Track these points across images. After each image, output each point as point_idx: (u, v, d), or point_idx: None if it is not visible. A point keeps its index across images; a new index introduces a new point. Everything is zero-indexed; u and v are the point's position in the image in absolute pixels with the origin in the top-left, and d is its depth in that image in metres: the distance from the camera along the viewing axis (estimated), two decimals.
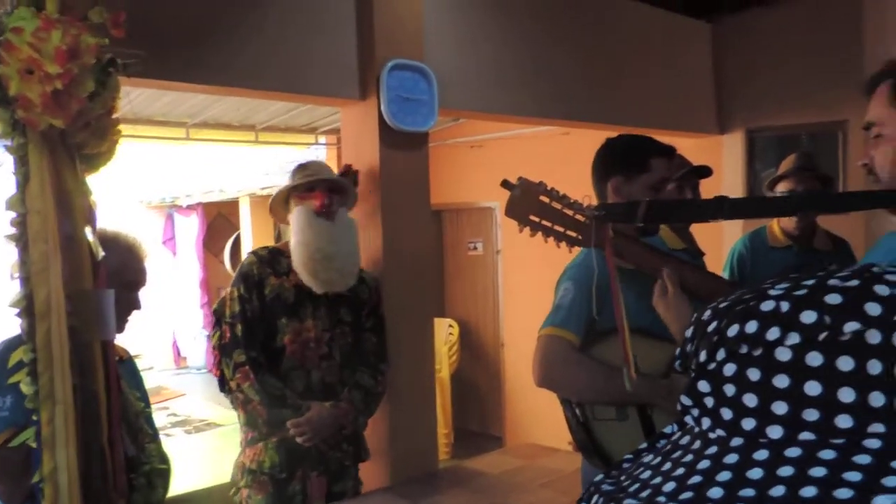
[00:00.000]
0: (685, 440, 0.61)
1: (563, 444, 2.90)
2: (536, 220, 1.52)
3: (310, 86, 2.58)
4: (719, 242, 3.99)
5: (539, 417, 5.21)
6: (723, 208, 1.30)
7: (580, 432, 1.80)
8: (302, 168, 2.42)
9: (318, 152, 5.51)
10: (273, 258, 2.37)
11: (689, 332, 0.62)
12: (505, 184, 1.53)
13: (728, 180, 4.40)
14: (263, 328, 2.29)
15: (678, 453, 0.60)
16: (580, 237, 1.50)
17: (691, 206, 1.42)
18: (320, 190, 2.33)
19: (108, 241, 1.70)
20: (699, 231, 2.95)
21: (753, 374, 0.54)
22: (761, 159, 4.31)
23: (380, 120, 2.66)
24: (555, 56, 3.45)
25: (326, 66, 2.60)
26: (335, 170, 2.62)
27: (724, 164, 4.43)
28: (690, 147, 4.46)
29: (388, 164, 2.71)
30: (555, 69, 3.44)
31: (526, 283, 5.38)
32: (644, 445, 0.68)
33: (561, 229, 1.51)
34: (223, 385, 2.31)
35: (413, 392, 2.80)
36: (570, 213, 1.48)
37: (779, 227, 3.05)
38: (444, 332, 5.90)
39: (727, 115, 4.40)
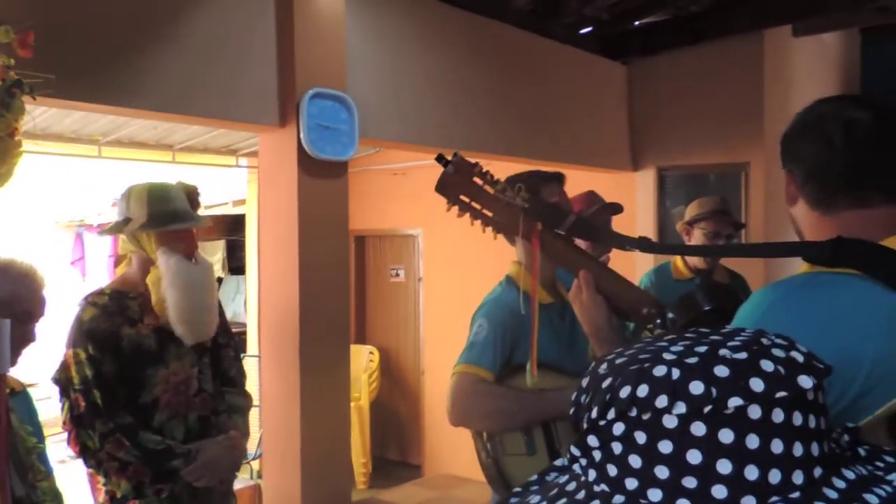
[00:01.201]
0: (571, 486, 0.63)
1: (480, 473, 2.91)
2: (466, 200, 1.47)
3: (227, 111, 2.55)
4: (632, 275, 4.14)
5: (458, 446, 5.21)
6: (642, 245, 1.36)
7: (490, 467, 1.83)
8: (162, 199, 2.08)
9: (239, 175, 5.42)
10: (119, 304, 2.07)
11: (584, 383, 0.64)
12: (439, 158, 1.48)
13: (641, 215, 4.59)
14: (127, 387, 2.03)
15: (563, 501, 0.62)
16: (507, 225, 1.48)
17: (612, 234, 1.45)
18: (189, 231, 2.12)
19: (0, 269, 1.62)
20: (616, 262, 3.07)
21: (640, 437, 0.56)
22: (671, 196, 4.52)
23: (299, 148, 2.65)
24: (476, 91, 3.53)
25: (245, 93, 2.58)
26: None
27: (637, 199, 4.62)
28: (607, 182, 4.63)
29: (306, 192, 2.70)
30: (475, 103, 3.52)
31: (447, 310, 5.41)
32: (535, 477, 0.70)
33: (489, 214, 1.47)
34: (87, 457, 2.01)
35: (327, 421, 2.77)
36: (501, 199, 1.45)
37: (682, 261, 3.21)
38: (365, 359, 5.86)
39: (640, 153, 4.60)
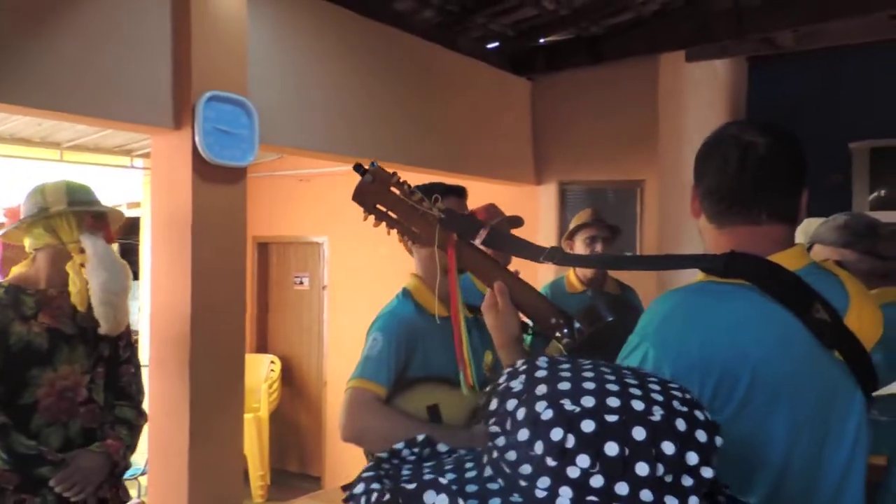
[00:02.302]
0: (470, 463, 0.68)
1: None
2: (383, 210, 1.47)
3: (115, 111, 2.42)
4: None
5: (359, 458, 5.13)
6: (554, 257, 1.38)
7: None
8: (80, 190, 2.14)
9: (134, 176, 5.18)
10: (14, 299, 2.02)
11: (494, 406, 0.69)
12: (357, 168, 1.47)
13: (543, 227, 4.70)
14: (6, 385, 1.96)
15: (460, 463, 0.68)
16: (423, 235, 1.48)
17: (525, 245, 1.47)
18: (107, 220, 2.14)
19: None
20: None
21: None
22: (572, 210, 4.65)
23: (193, 152, 2.55)
24: (382, 100, 3.52)
25: (135, 92, 2.47)
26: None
27: (539, 212, 4.73)
28: (511, 195, 4.73)
29: (201, 197, 2.60)
30: (381, 113, 3.51)
31: (351, 319, 5.35)
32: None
33: (406, 224, 1.48)
34: None
35: (218, 433, 2.67)
36: (418, 209, 1.46)
37: (575, 275, 3.35)
38: (265, 368, 5.71)
39: (542, 167, 4.71)
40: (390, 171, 1.48)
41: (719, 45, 4.37)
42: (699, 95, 5.07)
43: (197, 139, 2.54)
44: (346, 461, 5.46)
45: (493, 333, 1.41)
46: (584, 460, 0.57)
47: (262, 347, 6.04)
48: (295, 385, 5.99)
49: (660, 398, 0.63)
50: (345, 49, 3.34)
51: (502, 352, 1.39)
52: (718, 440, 0.63)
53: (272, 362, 5.78)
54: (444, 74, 3.95)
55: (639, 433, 0.59)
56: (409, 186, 1.48)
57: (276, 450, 5.76)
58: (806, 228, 2.19)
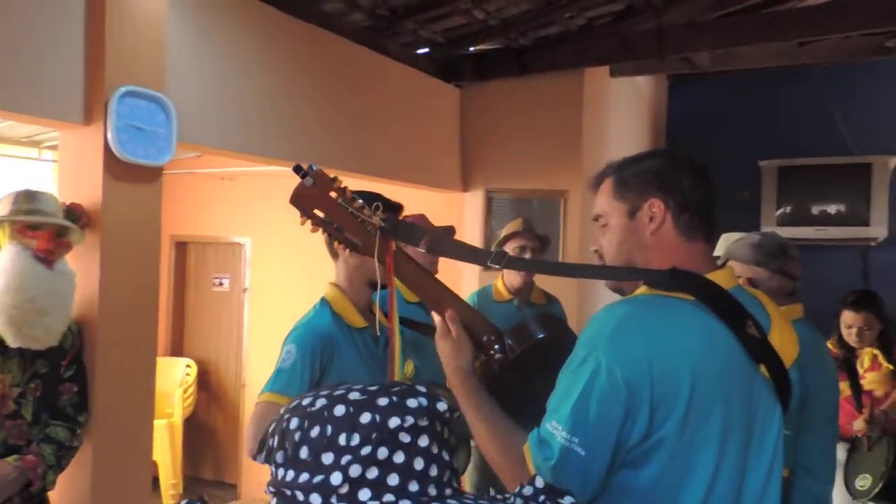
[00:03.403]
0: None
1: None
2: (321, 215, 1.42)
3: (19, 102, 2.28)
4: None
5: None
6: (500, 261, 1.38)
7: None
8: (29, 198, 2.11)
9: (42, 168, 4.91)
10: None
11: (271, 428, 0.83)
12: (297, 169, 1.41)
13: (469, 233, 4.73)
14: None
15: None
16: (361, 244, 1.44)
17: (472, 250, 1.46)
18: (47, 230, 2.07)
19: None
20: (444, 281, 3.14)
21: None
22: (497, 217, 4.70)
23: (105, 148, 2.44)
24: (308, 102, 3.46)
25: (43, 83, 2.33)
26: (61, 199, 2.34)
27: (466, 218, 4.76)
28: (438, 201, 4.74)
29: (112, 197, 2.48)
30: (307, 114, 3.45)
31: (273, 322, 5.23)
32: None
33: (344, 231, 1.44)
34: None
35: (124, 443, 2.55)
36: (357, 217, 1.42)
37: (503, 283, 3.40)
38: (180, 372, 5.51)
39: (469, 174, 4.74)
40: (331, 175, 1.44)
41: (641, 63, 4.51)
42: (622, 110, 5.22)
43: (109, 136, 2.43)
44: (263, 468, 5.32)
45: (445, 361, 1.39)
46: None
47: (177, 351, 5.83)
48: (212, 390, 5.82)
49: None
50: (270, 48, 3.27)
51: (455, 377, 1.36)
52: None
53: (188, 366, 5.59)
54: (372, 78, 3.92)
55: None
56: (350, 193, 1.44)
57: (190, 457, 5.58)
58: (724, 242, 2.28)
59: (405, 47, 4.23)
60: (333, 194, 1.41)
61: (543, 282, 3.67)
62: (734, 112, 5.85)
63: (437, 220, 4.49)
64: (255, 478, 5.37)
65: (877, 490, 2.71)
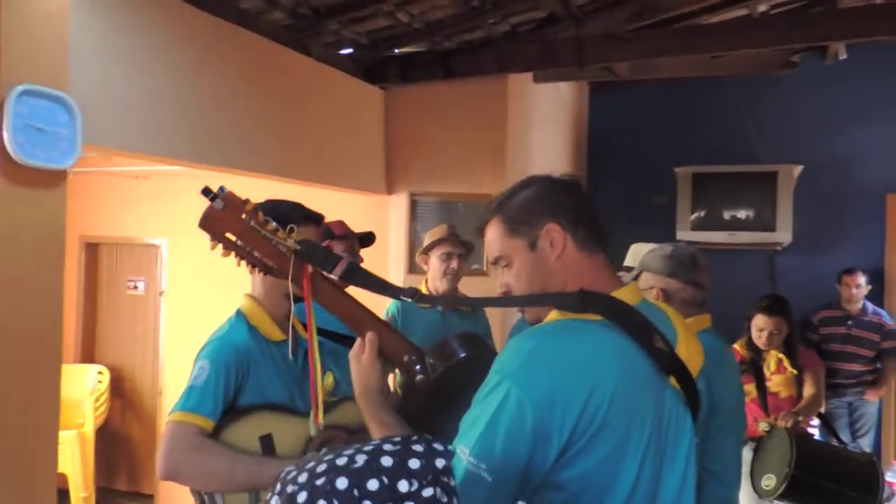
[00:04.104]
0: None
1: None
2: (233, 239, 1.39)
3: None
4: (381, 301, 4.22)
5: None
6: (413, 296, 1.37)
7: None
8: None
9: None
10: None
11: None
12: (205, 192, 1.37)
13: (394, 237, 4.71)
14: None
15: None
16: (276, 267, 1.41)
17: (385, 284, 1.44)
18: None
19: None
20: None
21: None
22: (422, 221, 4.70)
23: (2, 151, 2.28)
24: (225, 102, 3.35)
25: None
26: None
27: (390, 222, 4.73)
28: (362, 204, 4.69)
29: (9, 202, 2.33)
30: (224, 115, 3.34)
31: (190, 327, 5.07)
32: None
33: (258, 255, 1.40)
34: None
35: (25, 455, 2.41)
36: (271, 240, 1.39)
37: (427, 289, 3.40)
38: (92, 380, 5.26)
39: (394, 178, 4.72)
40: (243, 197, 1.40)
41: (563, 70, 4.58)
42: (545, 115, 5.30)
43: (6, 137, 2.28)
44: None
45: (354, 382, 1.38)
46: None
47: (88, 357, 5.57)
48: (126, 397, 5.59)
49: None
50: (184, 46, 3.14)
51: (362, 400, 1.37)
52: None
53: (100, 373, 5.34)
54: (292, 78, 3.83)
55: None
56: (264, 215, 1.41)
57: (104, 467, 5.35)
58: (636, 252, 2.33)
59: (327, 48, 4.16)
60: (245, 217, 1.38)
61: (468, 287, 3.70)
62: (652, 119, 6.04)
63: (361, 224, 4.46)
64: (173, 489, 5.19)
65: (781, 490, 2.83)
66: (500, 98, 4.50)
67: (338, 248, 2.91)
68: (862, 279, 4.98)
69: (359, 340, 1.41)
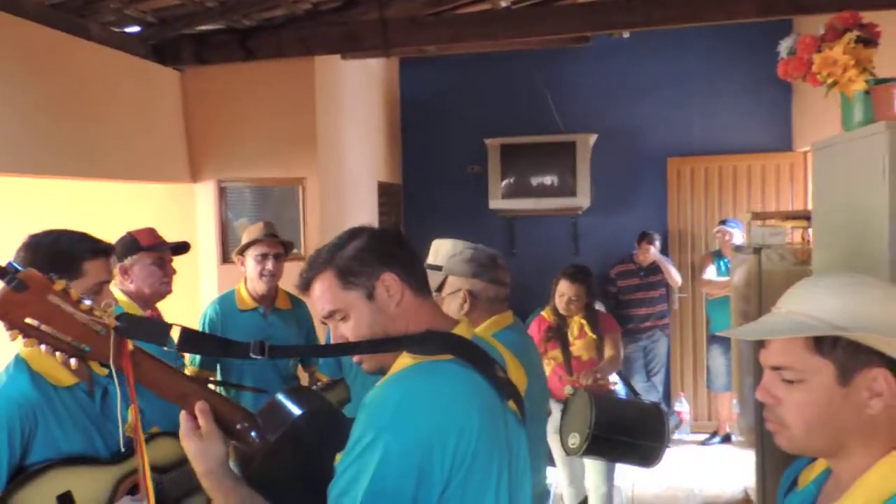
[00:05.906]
0: None
1: None
2: (35, 324, 1.18)
3: None
4: (197, 303, 4.03)
5: None
6: (262, 350, 1.27)
7: None
8: None
9: None
10: None
11: None
12: (1, 273, 1.15)
13: (203, 227, 4.47)
14: None
15: None
16: (93, 350, 1.22)
17: (229, 343, 1.33)
18: None
19: None
20: (180, 289, 2.93)
21: None
22: (234, 209, 4.50)
23: None
24: None
25: None
26: None
27: (198, 211, 4.48)
28: (165, 195, 4.39)
29: None
30: None
31: None
32: None
33: (68, 338, 1.20)
34: None
35: None
36: (85, 319, 1.20)
37: (246, 290, 3.29)
38: None
39: (198, 165, 4.45)
40: (48, 275, 1.19)
41: (368, 52, 4.54)
42: (356, 92, 5.24)
43: None
44: None
45: (194, 464, 1.26)
46: None
47: None
48: None
49: None
50: None
51: (208, 479, 1.25)
52: None
53: None
54: (66, 64, 3.43)
55: None
56: (76, 293, 1.22)
57: None
58: (437, 248, 2.39)
59: (108, 27, 3.78)
60: (53, 298, 1.18)
61: (289, 285, 3.59)
62: (462, 92, 6.19)
63: (166, 216, 4.20)
64: None
65: (585, 448, 3.13)
66: (307, 78, 4.37)
67: (146, 259, 2.70)
68: (657, 241, 5.69)
69: (184, 415, 1.28)
